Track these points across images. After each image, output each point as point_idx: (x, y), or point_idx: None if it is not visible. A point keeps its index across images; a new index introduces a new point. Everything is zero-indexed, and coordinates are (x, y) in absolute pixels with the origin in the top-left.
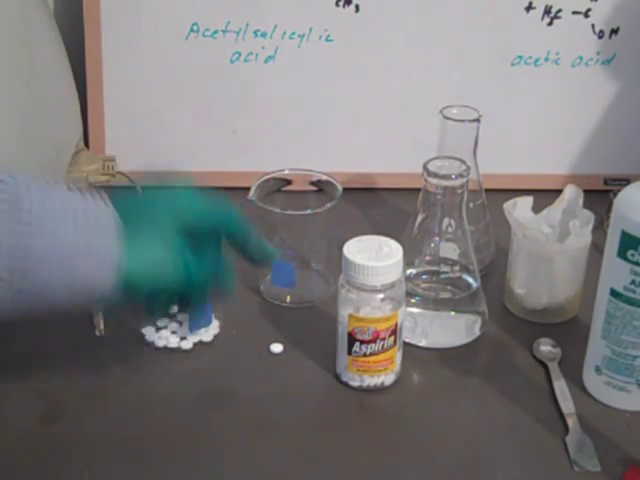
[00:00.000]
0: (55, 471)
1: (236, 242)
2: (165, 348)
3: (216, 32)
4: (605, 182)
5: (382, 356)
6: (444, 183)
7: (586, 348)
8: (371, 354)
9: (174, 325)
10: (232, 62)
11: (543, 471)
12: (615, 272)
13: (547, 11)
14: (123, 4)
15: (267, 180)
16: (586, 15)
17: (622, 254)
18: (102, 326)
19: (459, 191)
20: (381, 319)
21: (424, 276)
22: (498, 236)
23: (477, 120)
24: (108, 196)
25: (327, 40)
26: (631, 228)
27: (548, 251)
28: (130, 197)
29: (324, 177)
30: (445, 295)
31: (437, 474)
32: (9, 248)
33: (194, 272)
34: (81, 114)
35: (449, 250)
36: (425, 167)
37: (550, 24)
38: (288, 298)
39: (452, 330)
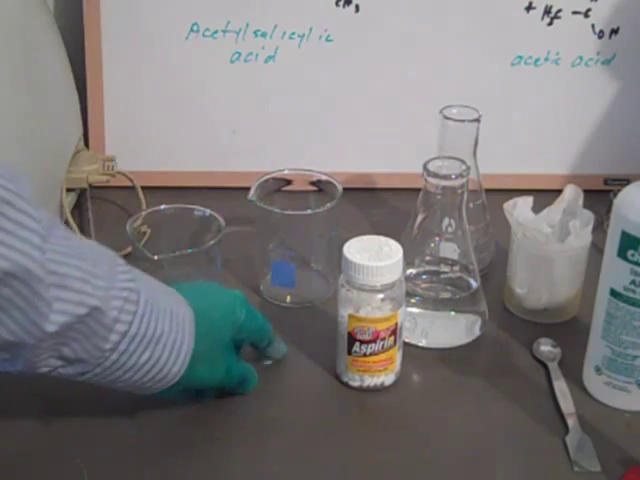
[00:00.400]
0: (55, 471)
1: (259, 347)
2: None
3: (216, 32)
4: (605, 182)
5: (382, 356)
6: (444, 183)
7: (586, 348)
8: (371, 354)
9: None
10: (232, 62)
11: (543, 471)
12: (615, 272)
13: (547, 11)
14: (123, 4)
15: (267, 180)
16: (586, 15)
17: (622, 254)
18: None
19: (459, 191)
20: (381, 319)
21: (424, 276)
22: (498, 236)
23: (477, 120)
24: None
25: (327, 40)
26: (631, 228)
27: (548, 251)
28: (199, 294)
29: (324, 177)
30: (445, 295)
31: (437, 474)
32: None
33: (235, 374)
34: (81, 114)
35: (449, 250)
36: (425, 167)
37: (550, 24)
38: (288, 298)
39: (452, 330)
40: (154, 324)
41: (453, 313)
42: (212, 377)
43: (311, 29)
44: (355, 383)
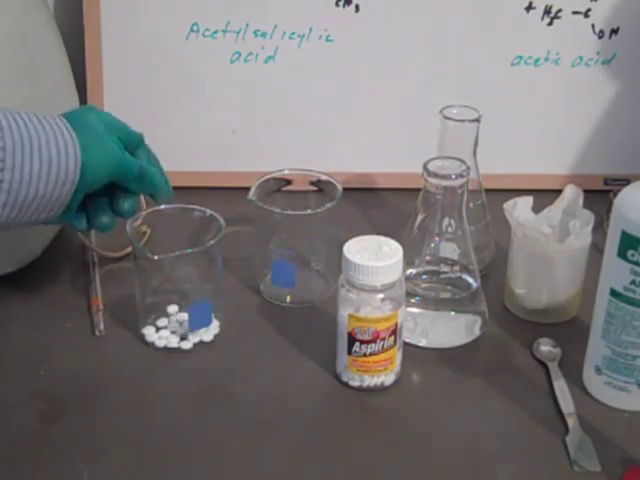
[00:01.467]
0: (55, 471)
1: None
2: (165, 348)
3: (216, 32)
4: (605, 182)
5: (382, 356)
6: (444, 183)
7: (586, 348)
8: (371, 354)
9: (174, 325)
10: (232, 62)
11: (543, 471)
12: (615, 272)
13: (547, 11)
14: (123, 4)
15: (267, 180)
16: (586, 15)
17: (622, 254)
18: (102, 326)
19: (459, 191)
20: (381, 319)
21: (424, 276)
22: (498, 236)
23: (477, 120)
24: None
25: (327, 40)
26: (631, 228)
27: (548, 251)
28: (76, 115)
29: (324, 177)
30: (445, 295)
31: (437, 474)
32: None
33: (129, 163)
34: None
35: (449, 250)
36: (425, 167)
37: (550, 24)
38: (288, 298)
39: (452, 330)
40: (26, 134)
41: (453, 313)
42: (105, 164)
43: (311, 29)
44: (355, 383)
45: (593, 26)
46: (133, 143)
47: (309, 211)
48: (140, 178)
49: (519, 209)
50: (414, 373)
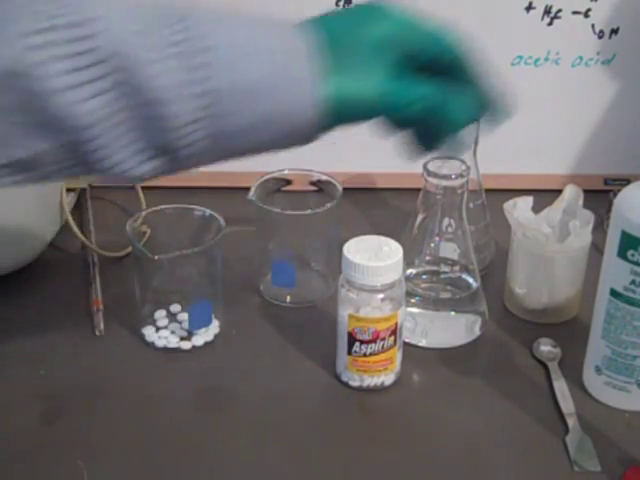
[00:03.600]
0: (55, 471)
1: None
2: (165, 348)
3: None
4: (605, 182)
5: (382, 356)
6: (444, 183)
7: (586, 348)
8: (371, 354)
9: (174, 325)
10: None
11: (543, 471)
12: (615, 272)
13: (547, 11)
14: None
15: (267, 180)
16: (586, 15)
17: (622, 254)
18: (102, 326)
19: (459, 191)
20: (381, 319)
21: (424, 276)
22: (498, 236)
23: (477, 120)
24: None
25: None
26: (631, 228)
27: (548, 251)
28: (338, 17)
29: (324, 177)
30: (445, 295)
31: (437, 474)
32: (193, 87)
33: (405, 99)
34: None
35: (449, 250)
36: (425, 167)
37: (550, 24)
38: (288, 298)
39: (452, 330)
40: (248, 71)
41: (453, 313)
42: (357, 104)
43: None
44: (355, 383)
45: (593, 26)
46: (436, 61)
47: (309, 211)
48: (426, 117)
49: (519, 209)
50: (414, 373)
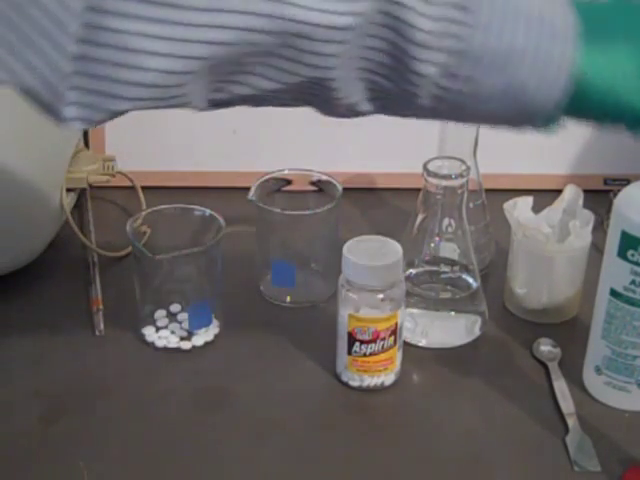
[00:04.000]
0: (55, 471)
1: None
2: (165, 348)
3: None
4: (605, 182)
5: (382, 356)
6: (444, 183)
7: (586, 348)
8: (371, 354)
9: (174, 325)
10: None
11: (543, 471)
12: (615, 272)
13: None
14: None
15: (267, 180)
16: None
17: (622, 254)
18: (102, 326)
19: (459, 191)
20: (381, 319)
21: (424, 276)
22: (498, 236)
23: None
24: None
25: None
26: (631, 228)
27: (548, 251)
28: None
29: (324, 177)
30: (445, 295)
31: (437, 474)
32: (451, 42)
33: None
34: None
35: (449, 250)
36: (425, 167)
37: None
38: (288, 298)
39: (452, 330)
40: (508, 39)
41: (453, 313)
42: (625, 89)
43: None
44: (355, 383)
45: None
46: None
47: (309, 211)
48: None
49: (519, 209)
50: (414, 373)
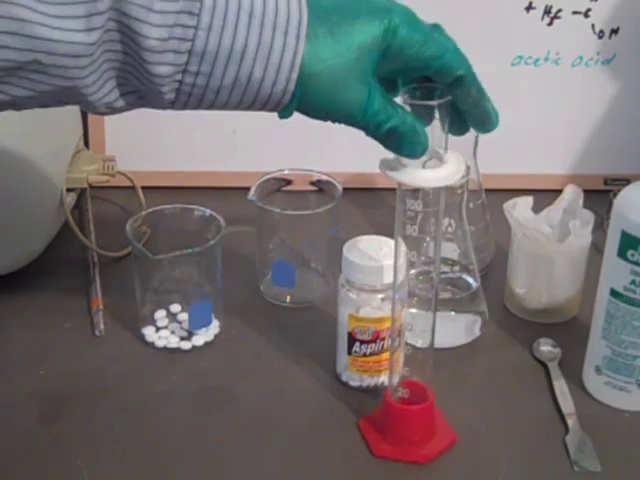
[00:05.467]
0: (55, 471)
1: (453, 90)
2: (165, 348)
3: None
4: (605, 182)
5: (382, 356)
6: None
7: (586, 348)
8: (371, 354)
9: (174, 325)
10: None
11: (543, 471)
12: (615, 272)
13: (547, 11)
14: None
15: (267, 180)
16: (586, 15)
17: (622, 254)
18: (102, 326)
19: (459, 191)
20: (381, 319)
21: (424, 276)
22: (498, 236)
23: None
24: None
25: None
26: (631, 228)
27: (548, 251)
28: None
29: (324, 177)
30: (445, 295)
31: (437, 474)
32: (178, 44)
33: (373, 110)
34: (81, 114)
35: (449, 250)
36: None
37: (550, 24)
38: (288, 298)
39: (452, 330)
40: (230, 36)
41: (453, 313)
42: (336, 106)
43: None
44: (355, 383)
45: (593, 26)
46: (433, 72)
47: (309, 211)
48: (388, 138)
49: (519, 209)
50: (414, 373)
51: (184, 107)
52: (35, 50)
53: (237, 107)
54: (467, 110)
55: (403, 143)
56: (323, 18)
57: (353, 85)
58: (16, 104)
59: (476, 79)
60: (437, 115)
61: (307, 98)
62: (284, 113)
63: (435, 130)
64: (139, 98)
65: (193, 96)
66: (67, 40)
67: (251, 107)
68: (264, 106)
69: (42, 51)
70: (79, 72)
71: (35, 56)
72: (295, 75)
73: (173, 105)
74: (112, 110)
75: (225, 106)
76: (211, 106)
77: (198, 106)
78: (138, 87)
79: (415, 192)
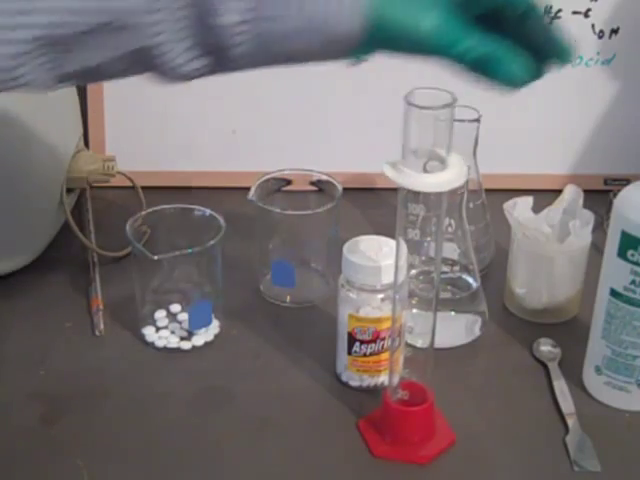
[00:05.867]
0: (55, 471)
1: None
2: (165, 348)
3: None
4: (605, 182)
5: (382, 356)
6: None
7: (586, 348)
8: (371, 354)
9: (174, 325)
10: None
11: (543, 471)
12: (615, 272)
13: (547, 11)
14: None
15: (267, 180)
16: (586, 15)
17: (622, 254)
18: (102, 326)
19: (459, 191)
20: (381, 319)
21: (424, 276)
22: (498, 236)
23: (477, 120)
24: None
25: None
26: (631, 228)
27: (548, 251)
28: None
29: (324, 177)
30: (445, 295)
31: (437, 474)
32: None
33: (456, 45)
34: (81, 114)
35: (449, 250)
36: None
37: (550, 24)
38: (288, 298)
39: (452, 330)
40: None
41: (453, 313)
42: (411, 30)
43: None
44: (355, 383)
45: (593, 26)
46: (503, 10)
47: (309, 211)
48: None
49: (519, 209)
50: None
51: (254, 63)
52: (112, 10)
53: (305, 56)
54: (540, 45)
55: (494, 70)
56: None
57: (427, 4)
58: (100, 71)
59: (542, 14)
60: (440, 117)
61: (382, 24)
62: (358, 51)
63: (438, 132)
64: (211, 62)
65: (263, 47)
66: None
67: (320, 55)
68: (333, 53)
69: (119, 10)
70: (154, 28)
71: (112, 16)
72: (362, 13)
73: (242, 61)
74: (186, 75)
75: (293, 55)
76: (278, 58)
77: (267, 60)
78: (209, 46)
79: (416, 195)
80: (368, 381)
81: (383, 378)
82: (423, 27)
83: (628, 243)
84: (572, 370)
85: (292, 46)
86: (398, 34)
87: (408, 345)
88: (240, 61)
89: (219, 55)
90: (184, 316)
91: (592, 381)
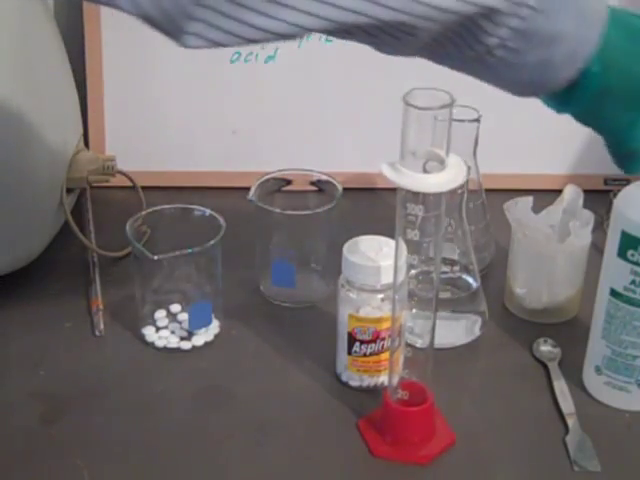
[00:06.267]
0: (55, 471)
1: None
2: (165, 348)
3: None
4: (605, 182)
5: (382, 356)
6: None
7: (586, 348)
8: (371, 354)
9: (174, 325)
10: (232, 62)
11: (543, 471)
12: (615, 272)
13: None
14: None
15: (267, 180)
16: None
17: (622, 254)
18: (102, 326)
19: (459, 191)
20: (381, 319)
21: (423, 276)
22: (498, 236)
23: (477, 120)
24: None
25: (327, 40)
26: (631, 228)
27: (548, 251)
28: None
29: (324, 177)
30: (445, 295)
31: (437, 474)
32: (515, 21)
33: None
34: (81, 114)
35: (449, 250)
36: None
37: None
38: (288, 298)
39: (452, 330)
40: (553, 20)
41: (453, 313)
42: (619, 116)
43: None
44: (355, 383)
45: None
46: None
47: (309, 211)
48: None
49: (519, 209)
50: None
51: (478, 74)
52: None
53: (517, 88)
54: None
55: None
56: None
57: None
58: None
59: None
60: (439, 117)
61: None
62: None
63: (437, 132)
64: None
65: (495, 69)
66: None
67: (528, 89)
68: (539, 90)
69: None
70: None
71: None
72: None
73: (470, 69)
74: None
75: (508, 84)
76: (499, 81)
77: (489, 78)
78: (460, 46)
79: (416, 196)
80: (368, 381)
81: (383, 378)
82: (625, 120)
83: (628, 243)
84: (572, 370)
85: (515, 77)
86: (604, 108)
87: (408, 345)
88: (469, 68)
89: (464, 58)
90: (184, 316)
91: (592, 381)
